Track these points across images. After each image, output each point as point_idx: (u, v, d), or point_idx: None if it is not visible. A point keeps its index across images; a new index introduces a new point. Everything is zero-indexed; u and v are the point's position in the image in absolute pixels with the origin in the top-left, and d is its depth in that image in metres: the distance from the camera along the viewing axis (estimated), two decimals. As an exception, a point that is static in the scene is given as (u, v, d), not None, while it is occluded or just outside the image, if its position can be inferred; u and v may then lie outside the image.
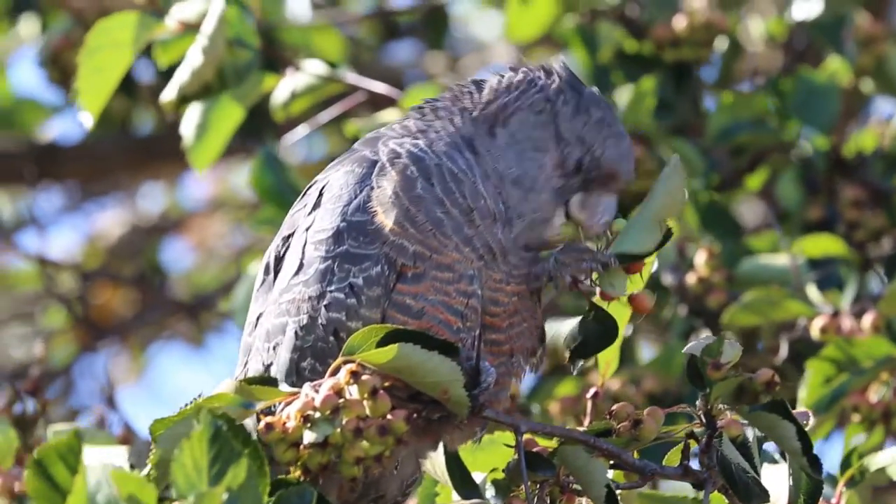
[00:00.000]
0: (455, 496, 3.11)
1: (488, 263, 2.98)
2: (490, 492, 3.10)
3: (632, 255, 3.02)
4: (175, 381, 7.24)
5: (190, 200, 7.06)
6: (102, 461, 2.58)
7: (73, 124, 6.29)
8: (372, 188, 2.97)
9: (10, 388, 4.08)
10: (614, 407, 3.04)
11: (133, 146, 6.00)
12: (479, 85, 3.07)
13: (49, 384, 4.17)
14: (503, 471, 3.06)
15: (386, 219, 2.95)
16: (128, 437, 4.25)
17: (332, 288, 2.96)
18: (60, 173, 6.09)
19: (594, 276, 3.01)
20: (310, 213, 3.02)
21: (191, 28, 4.08)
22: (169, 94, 4.07)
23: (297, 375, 2.96)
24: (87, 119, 4.03)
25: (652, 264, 3.08)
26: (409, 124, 3.07)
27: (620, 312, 3.07)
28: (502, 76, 3.07)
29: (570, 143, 3.03)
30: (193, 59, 4.05)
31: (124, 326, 6.41)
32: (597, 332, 3.03)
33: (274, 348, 2.99)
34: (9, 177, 6.04)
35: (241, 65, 4.09)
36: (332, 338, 2.95)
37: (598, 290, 3.03)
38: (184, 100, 4.08)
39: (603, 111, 3.04)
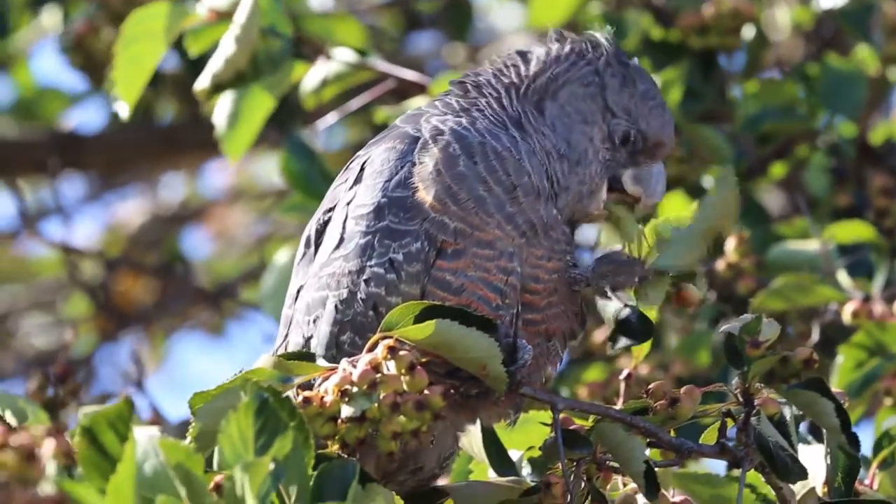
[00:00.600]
0: (491, 473, 3.12)
1: (530, 240, 2.99)
2: (526, 469, 3.11)
3: (671, 268, 3.02)
4: (194, 369, 7.25)
5: (210, 190, 7.08)
6: (150, 431, 2.59)
7: (94, 113, 6.31)
8: (413, 164, 2.98)
9: (41, 372, 4.09)
10: (651, 385, 3.04)
11: (155, 136, 6.01)
12: (524, 56, 3.08)
13: (74, 372, 4.17)
14: (540, 448, 3.06)
15: (427, 195, 2.96)
16: (157, 422, 4.27)
17: (372, 263, 2.96)
18: (82, 163, 6.10)
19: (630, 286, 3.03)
20: (351, 188, 3.03)
21: (222, 17, 4.09)
22: (203, 83, 4.08)
23: (336, 349, 2.97)
24: (123, 109, 4.05)
25: (703, 286, 3.07)
26: (451, 101, 3.07)
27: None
28: (550, 47, 3.08)
29: (617, 116, 3.05)
30: (227, 47, 4.06)
31: (146, 315, 6.42)
32: (633, 329, 3.04)
33: (314, 321, 3.00)
34: (31, 166, 6.05)
35: (274, 53, 4.10)
36: (371, 312, 2.96)
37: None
38: (217, 88, 4.09)
39: (647, 84, 3.08)
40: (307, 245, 3.07)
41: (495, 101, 3.06)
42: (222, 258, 6.91)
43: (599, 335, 4.21)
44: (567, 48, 3.07)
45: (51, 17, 5.40)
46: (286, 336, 3.05)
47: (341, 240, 3.00)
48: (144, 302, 6.61)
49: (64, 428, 2.54)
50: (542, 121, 3.05)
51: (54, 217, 6.55)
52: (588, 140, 3.05)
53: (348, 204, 3.01)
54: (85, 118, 6.20)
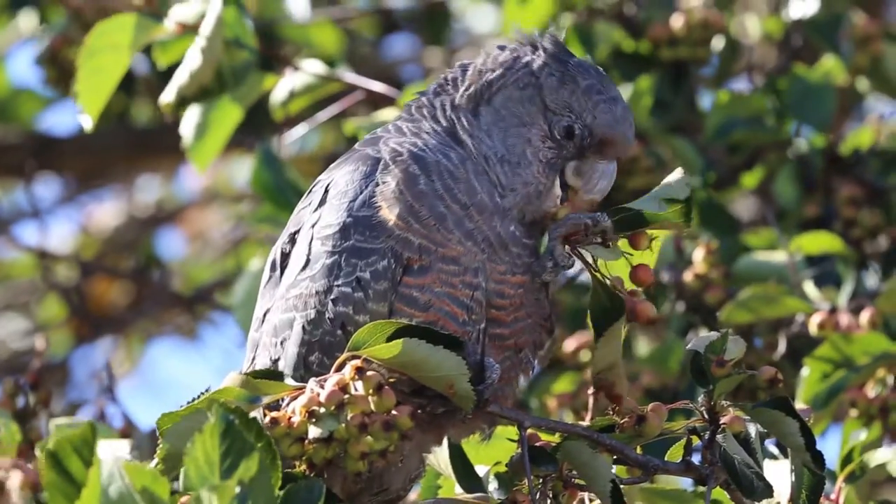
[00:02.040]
0: (458, 489, 3.14)
1: (490, 256, 3.00)
2: (493, 485, 3.13)
3: (631, 217, 3.02)
4: (169, 373, 7.26)
5: (185, 192, 7.08)
6: (114, 454, 2.60)
7: (69, 116, 6.29)
8: (377, 184, 3.00)
9: (12, 381, 4.09)
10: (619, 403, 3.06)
11: (130, 139, 6.01)
12: (464, 68, 3.09)
13: (47, 376, 4.18)
14: (506, 465, 3.08)
15: (390, 214, 2.98)
16: (128, 431, 4.27)
17: (340, 282, 2.98)
18: (57, 165, 6.10)
19: (589, 237, 3.01)
20: (315, 210, 3.04)
21: (190, 29, 4.09)
22: (167, 97, 4.09)
23: (305, 369, 2.99)
24: (86, 121, 4.05)
25: (660, 239, 3.07)
26: (401, 125, 3.10)
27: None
28: (489, 55, 3.08)
29: (557, 113, 3.03)
30: (192, 61, 4.07)
31: (121, 318, 6.42)
32: (604, 310, 3.04)
33: (281, 343, 3.01)
34: (6, 168, 6.05)
35: (239, 66, 4.11)
36: (339, 332, 2.97)
37: (593, 257, 3.02)
38: (182, 102, 4.10)
39: (592, 79, 3.03)
40: (273, 269, 3.08)
41: (432, 119, 3.07)
42: (198, 260, 6.91)
43: (569, 345, 4.23)
44: (505, 54, 3.06)
45: (28, 20, 5.40)
46: (253, 359, 3.07)
47: (307, 261, 3.01)
48: (119, 305, 6.61)
49: (32, 445, 2.55)
50: (478, 125, 3.05)
51: (29, 220, 6.55)
52: (525, 142, 3.03)
53: (313, 226, 3.03)
54: (60, 120, 6.19)
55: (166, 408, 2.88)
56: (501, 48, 3.08)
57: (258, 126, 4.91)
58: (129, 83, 5.41)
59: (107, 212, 6.92)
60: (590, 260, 3.05)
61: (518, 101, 3.04)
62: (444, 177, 3.00)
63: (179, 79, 4.06)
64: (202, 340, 6.76)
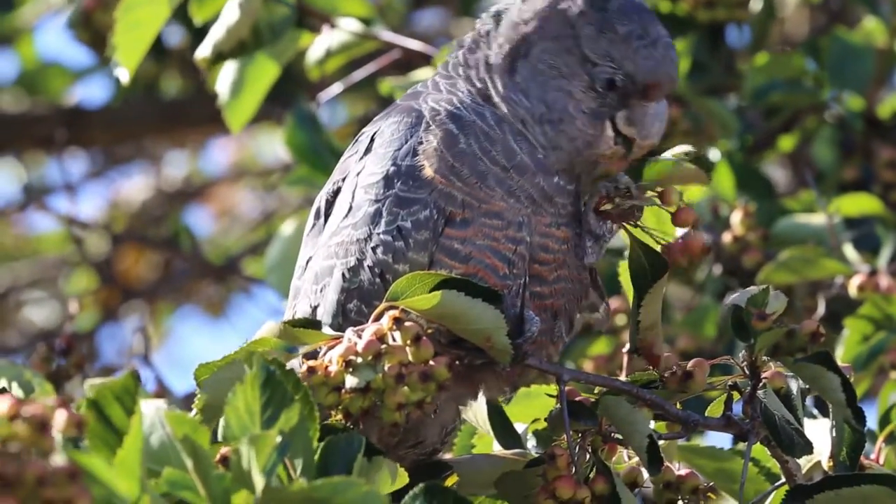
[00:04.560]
0: (496, 446, 3.11)
1: (535, 210, 2.97)
2: (531, 442, 3.10)
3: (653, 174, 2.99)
4: (195, 347, 7.25)
5: (214, 166, 7.07)
6: (156, 404, 2.58)
7: (98, 88, 6.29)
8: (420, 142, 2.96)
9: (45, 344, 4.08)
10: (661, 357, 3.02)
11: (159, 111, 6.00)
12: (497, 17, 3.02)
13: (79, 345, 4.16)
14: (545, 420, 3.05)
15: (432, 172, 2.94)
16: (162, 395, 4.26)
17: (381, 230, 2.95)
18: (85, 139, 6.09)
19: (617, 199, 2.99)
20: (361, 159, 3.01)
21: (228, -17, 4.06)
22: (204, 51, 4.05)
23: (343, 317, 2.96)
24: (123, 74, 4.01)
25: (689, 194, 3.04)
26: (438, 82, 3.05)
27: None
28: (522, 6, 3.00)
29: (597, 64, 2.96)
30: (229, 15, 4.02)
31: (151, 290, 6.41)
32: (643, 269, 3.01)
33: (321, 290, 2.99)
34: (36, 141, 6.04)
35: (277, 21, 4.07)
36: (378, 280, 2.94)
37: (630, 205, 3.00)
38: (219, 57, 4.06)
39: (631, 24, 2.95)
40: (317, 216, 3.06)
41: (466, 80, 3.02)
42: (226, 235, 6.90)
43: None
44: (538, 4, 2.98)
45: (56, -7, 5.39)
46: (294, 307, 3.04)
47: (350, 209, 2.98)
48: (148, 277, 6.61)
49: (70, 400, 2.53)
50: (513, 86, 2.99)
51: (59, 193, 6.55)
52: (567, 95, 2.96)
53: (358, 174, 3.00)
54: (89, 93, 6.18)
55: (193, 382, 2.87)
56: None
57: (289, 94, 4.87)
58: (159, 53, 5.39)
59: (135, 186, 6.91)
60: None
61: (555, 53, 2.97)
62: (481, 139, 2.96)
63: (216, 33, 4.02)
64: (231, 314, 6.76)
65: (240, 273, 5.78)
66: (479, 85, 3.01)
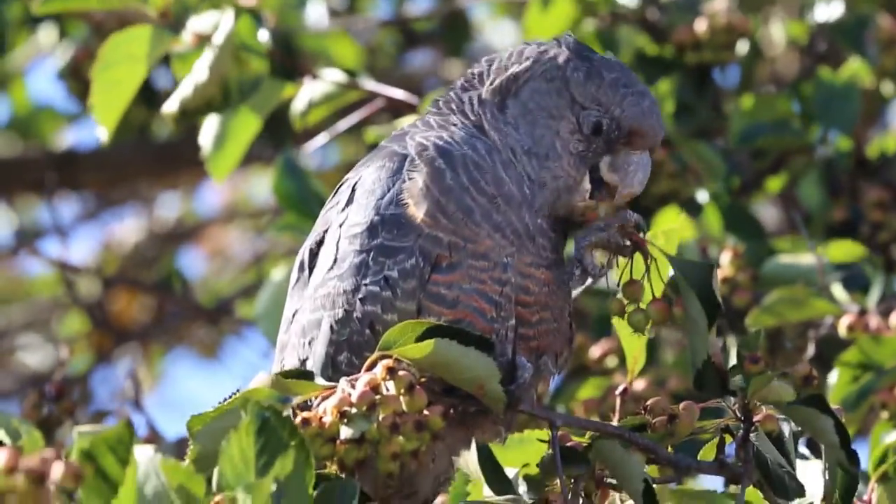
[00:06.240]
0: (487, 491, 3.12)
1: (519, 248, 2.99)
2: (523, 487, 3.11)
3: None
4: (188, 389, 7.25)
5: (206, 207, 7.08)
6: (150, 453, 2.58)
7: (89, 132, 6.30)
8: (404, 181, 2.98)
9: (37, 390, 4.09)
10: (649, 402, 3.04)
11: (151, 153, 6.01)
12: (490, 62, 3.08)
13: (70, 390, 4.17)
14: (537, 465, 3.05)
15: (417, 211, 2.96)
16: (153, 440, 4.26)
17: (367, 281, 2.97)
18: (77, 182, 6.10)
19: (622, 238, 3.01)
20: (343, 210, 3.03)
21: (206, 41, 4.08)
22: (170, 107, 4.08)
23: (333, 369, 2.97)
24: (102, 134, 4.04)
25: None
26: (429, 120, 3.09)
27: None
28: (514, 49, 3.07)
29: (585, 107, 3.01)
30: (198, 74, 4.05)
31: (143, 332, 6.41)
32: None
33: (309, 343, 3.00)
34: (28, 185, 6.05)
35: (248, 79, 4.10)
36: (367, 331, 2.96)
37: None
38: (184, 114, 4.09)
39: (617, 73, 3.01)
40: (301, 269, 3.07)
41: (460, 113, 3.06)
42: (218, 277, 6.91)
43: (595, 351, 4.21)
44: (531, 48, 3.05)
45: (47, 36, 5.40)
46: (282, 360, 3.05)
47: (335, 260, 3.00)
48: (141, 320, 6.61)
49: (61, 447, 2.54)
50: (504, 119, 3.03)
51: (51, 236, 6.55)
52: (554, 134, 3.01)
53: (341, 225, 3.01)
54: (81, 136, 6.19)
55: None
56: (526, 44, 3.07)
57: (278, 138, 4.90)
58: (149, 97, 5.41)
59: (127, 228, 6.92)
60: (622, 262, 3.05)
61: (545, 94, 3.02)
62: (470, 169, 2.99)
63: (184, 90, 4.05)
64: (224, 356, 6.76)
65: (232, 315, 5.78)
66: (472, 117, 3.05)
